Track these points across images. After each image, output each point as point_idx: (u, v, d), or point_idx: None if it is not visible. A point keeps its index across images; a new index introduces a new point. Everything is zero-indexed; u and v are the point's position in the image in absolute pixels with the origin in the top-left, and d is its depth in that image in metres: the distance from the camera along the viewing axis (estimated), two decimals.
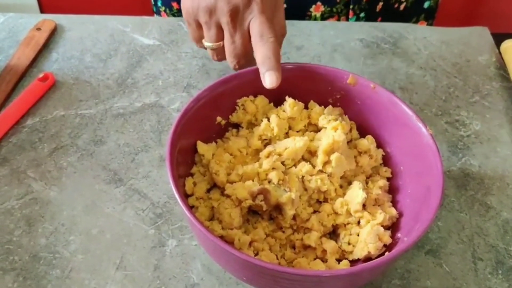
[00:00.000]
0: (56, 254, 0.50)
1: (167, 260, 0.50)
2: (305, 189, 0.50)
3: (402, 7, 0.83)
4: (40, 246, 0.51)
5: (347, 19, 0.81)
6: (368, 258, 0.47)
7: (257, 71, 0.51)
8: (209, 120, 0.53)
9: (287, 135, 0.54)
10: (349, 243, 0.48)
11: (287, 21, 0.57)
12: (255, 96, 0.55)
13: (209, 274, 0.49)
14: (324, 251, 0.48)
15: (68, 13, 0.76)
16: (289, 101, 0.53)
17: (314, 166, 0.50)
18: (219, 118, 0.54)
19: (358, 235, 0.48)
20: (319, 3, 0.78)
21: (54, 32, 0.72)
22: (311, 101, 0.55)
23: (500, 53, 0.72)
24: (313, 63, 0.56)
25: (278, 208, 0.49)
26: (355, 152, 0.53)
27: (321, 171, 0.50)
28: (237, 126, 0.56)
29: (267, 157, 0.50)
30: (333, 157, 0.49)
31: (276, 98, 0.55)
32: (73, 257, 0.50)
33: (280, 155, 0.50)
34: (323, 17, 0.80)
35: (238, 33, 0.53)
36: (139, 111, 0.63)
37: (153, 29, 0.74)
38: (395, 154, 0.53)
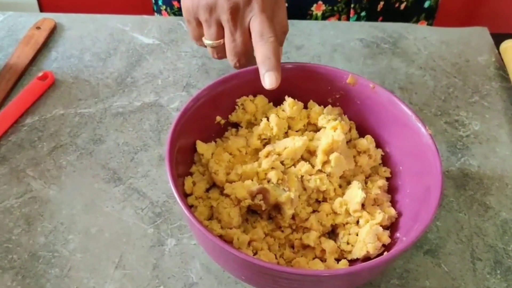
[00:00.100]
0: (55, 253, 0.50)
1: (166, 259, 0.50)
2: (304, 189, 0.50)
3: (402, 6, 0.83)
4: (39, 245, 0.51)
5: (348, 18, 0.81)
6: (367, 258, 0.47)
7: (256, 71, 0.51)
8: (208, 119, 0.53)
9: (286, 135, 0.54)
10: (348, 243, 0.48)
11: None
12: (255, 96, 0.55)
13: (208, 273, 0.49)
14: (323, 250, 0.48)
15: (67, 12, 0.76)
16: (288, 100, 0.53)
17: (313, 166, 0.50)
18: (218, 118, 0.54)
19: (357, 235, 0.48)
20: (320, 2, 0.78)
21: (53, 31, 0.72)
22: (311, 101, 0.55)
23: (499, 53, 0.72)
24: (313, 63, 0.56)
25: (277, 207, 0.49)
26: (354, 152, 0.53)
27: (320, 171, 0.50)
28: (236, 125, 0.56)
29: (266, 156, 0.50)
30: (332, 156, 0.49)
31: (275, 97, 0.55)
32: (72, 256, 0.50)
33: (279, 154, 0.50)
34: (324, 16, 0.80)
35: (238, 31, 0.53)
36: (139, 110, 0.63)
37: (152, 28, 0.74)
38: (394, 154, 0.53)
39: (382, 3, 0.81)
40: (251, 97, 0.55)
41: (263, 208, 0.48)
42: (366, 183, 0.52)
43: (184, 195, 0.50)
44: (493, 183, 0.57)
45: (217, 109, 0.54)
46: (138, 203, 0.54)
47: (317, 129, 0.54)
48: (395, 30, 0.75)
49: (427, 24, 0.88)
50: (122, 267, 0.49)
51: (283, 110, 0.54)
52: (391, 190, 0.52)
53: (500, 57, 0.72)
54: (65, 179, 0.56)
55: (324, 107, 0.55)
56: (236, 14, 0.51)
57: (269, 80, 0.49)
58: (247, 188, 0.48)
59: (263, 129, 0.52)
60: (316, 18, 0.80)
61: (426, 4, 0.85)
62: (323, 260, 0.48)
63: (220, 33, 0.54)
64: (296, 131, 0.54)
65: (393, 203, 0.51)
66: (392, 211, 0.49)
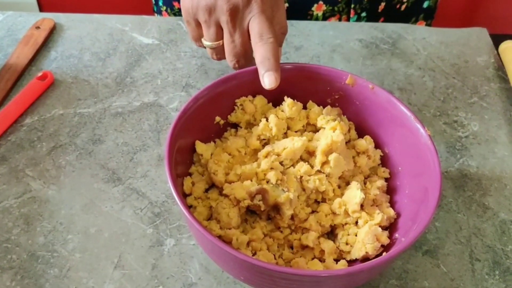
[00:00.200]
0: (54, 253, 0.50)
1: (165, 259, 0.50)
2: (303, 189, 0.50)
3: (403, 7, 0.83)
4: (38, 244, 0.51)
5: (348, 18, 0.81)
6: (365, 258, 0.47)
7: (256, 71, 0.51)
8: (207, 119, 0.53)
9: (285, 135, 0.54)
10: (347, 243, 0.49)
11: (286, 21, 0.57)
12: (254, 96, 0.55)
13: (207, 273, 0.49)
14: (322, 251, 0.48)
15: (67, 11, 0.76)
16: (287, 101, 0.54)
17: (312, 166, 0.51)
18: (217, 118, 0.54)
19: (356, 235, 0.48)
20: (321, 2, 0.78)
21: (53, 31, 0.72)
22: (310, 101, 0.55)
23: (498, 54, 0.72)
24: (312, 63, 0.56)
25: (276, 208, 0.49)
26: (354, 152, 0.53)
27: (319, 171, 0.50)
28: (235, 126, 0.56)
29: (266, 157, 0.51)
30: (332, 157, 0.49)
31: (274, 98, 0.55)
32: (71, 256, 0.50)
33: (278, 155, 0.50)
34: (325, 16, 0.80)
35: (237, 32, 0.53)
36: (138, 110, 0.63)
37: (152, 28, 0.74)
38: (393, 155, 0.53)
39: (383, 3, 0.81)
40: (250, 97, 0.55)
41: (262, 209, 0.48)
42: (365, 183, 0.52)
43: (183, 195, 0.50)
44: (492, 184, 0.57)
45: (217, 110, 0.54)
46: (137, 203, 0.54)
47: (316, 130, 0.54)
48: (394, 31, 0.75)
49: (426, 25, 0.88)
50: (121, 267, 0.49)
51: (282, 111, 0.54)
52: (390, 190, 0.52)
53: (499, 58, 0.72)
54: (64, 179, 0.56)
55: (323, 107, 0.55)
56: (235, 15, 0.52)
57: (268, 80, 0.49)
58: (246, 189, 0.48)
59: (262, 130, 0.52)
60: (317, 19, 0.80)
61: (425, 5, 0.85)
62: (322, 260, 0.48)
63: (219, 34, 0.54)
64: (295, 132, 0.54)
65: (392, 203, 0.51)
66: (391, 212, 0.49)
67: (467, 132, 0.63)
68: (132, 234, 0.52)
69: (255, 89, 0.53)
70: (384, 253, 0.45)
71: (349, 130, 0.55)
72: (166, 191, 0.55)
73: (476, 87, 0.68)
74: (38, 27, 0.71)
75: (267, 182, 0.49)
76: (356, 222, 0.49)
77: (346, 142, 0.53)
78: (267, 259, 0.46)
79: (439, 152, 0.57)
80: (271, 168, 0.50)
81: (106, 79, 0.67)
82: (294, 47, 0.72)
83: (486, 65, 0.71)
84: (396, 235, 0.48)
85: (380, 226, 0.48)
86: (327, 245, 0.48)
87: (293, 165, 0.51)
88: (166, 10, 0.85)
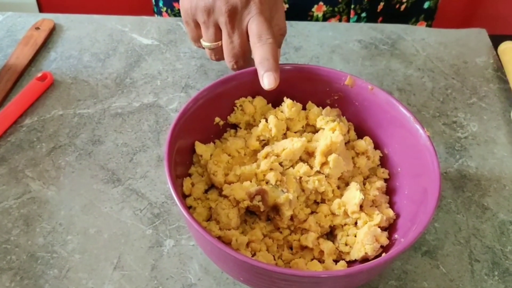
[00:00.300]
0: (53, 253, 0.50)
1: (164, 260, 0.50)
2: (303, 190, 0.50)
3: (402, 7, 0.83)
4: (37, 245, 0.51)
5: (349, 19, 0.81)
6: (365, 259, 0.47)
7: (255, 72, 0.51)
8: (207, 120, 0.53)
9: (285, 136, 0.54)
10: (346, 244, 0.49)
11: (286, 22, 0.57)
12: (253, 97, 0.55)
13: (206, 274, 0.49)
14: (321, 252, 0.48)
15: (67, 12, 0.76)
16: (287, 102, 0.54)
17: (311, 167, 0.51)
18: (217, 119, 0.54)
19: (355, 236, 0.48)
20: (321, 3, 0.78)
21: (52, 32, 0.72)
22: (309, 102, 0.55)
23: (497, 54, 0.72)
24: (311, 64, 0.56)
25: (276, 208, 0.49)
26: (353, 153, 0.53)
27: (318, 172, 0.50)
28: (235, 126, 0.56)
29: (265, 157, 0.51)
30: (331, 158, 0.49)
31: (274, 99, 0.55)
32: (71, 256, 0.50)
33: (278, 156, 0.51)
34: (325, 17, 0.80)
35: (236, 33, 0.53)
36: (137, 111, 0.63)
37: (151, 29, 0.74)
38: (393, 156, 0.53)
39: (382, 4, 0.81)
40: (249, 98, 0.55)
41: (262, 209, 0.48)
42: (364, 184, 0.52)
43: (183, 196, 0.50)
44: (491, 185, 0.57)
45: (216, 110, 0.54)
46: (136, 204, 0.54)
47: (315, 130, 0.55)
48: (394, 32, 0.75)
49: (426, 25, 0.88)
50: (121, 268, 0.49)
51: (281, 111, 0.54)
52: (389, 191, 0.52)
53: (498, 59, 0.72)
54: (63, 179, 0.56)
55: (323, 108, 0.55)
56: (234, 16, 0.52)
57: (267, 81, 0.49)
58: (245, 189, 0.48)
59: (262, 130, 0.52)
60: (317, 19, 0.80)
61: (426, 5, 0.85)
62: (321, 261, 0.48)
63: (218, 35, 0.54)
64: (295, 132, 0.54)
65: (391, 204, 0.51)
66: (390, 213, 0.49)
67: (466, 133, 0.63)
68: (132, 235, 0.52)
69: (255, 90, 0.53)
70: (383, 254, 0.45)
71: (348, 131, 0.55)
72: (165, 191, 0.55)
73: (475, 87, 0.68)
74: (37, 28, 0.71)
75: (267, 182, 0.49)
76: (356, 223, 0.49)
77: (346, 143, 0.53)
78: (266, 260, 0.47)
79: (438, 152, 0.57)
80: (271, 169, 0.50)
81: (105, 80, 0.67)
82: (293, 47, 0.72)
83: (485, 66, 0.71)
84: (396, 235, 0.48)
85: (379, 227, 0.48)
86: (327, 246, 0.48)
87: (292, 166, 0.51)
88: (166, 11, 0.85)
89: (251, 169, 0.50)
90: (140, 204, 0.54)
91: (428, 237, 0.53)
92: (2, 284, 0.48)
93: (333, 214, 0.50)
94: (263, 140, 0.53)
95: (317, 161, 0.50)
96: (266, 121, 0.53)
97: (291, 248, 0.49)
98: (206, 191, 0.51)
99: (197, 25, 0.55)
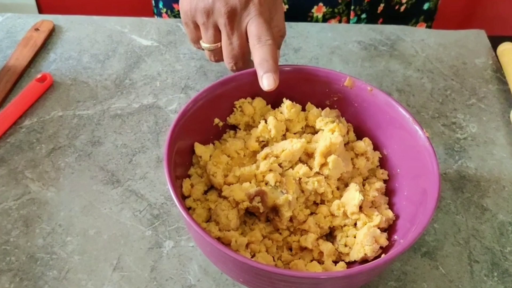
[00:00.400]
0: (53, 255, 0.50)
1: (164, 261, 0.50)
2: (302, 191, 0.50)
3: (402, 8, 0.83)
4: (37, 246, 0.51)
5: (348, 20, 0.81)
6: (364, 260, 0.47)
7: (254, 73, 0.51)
8: (206, 121, 0.54)
9: (284, 137, 0.54)
10: (345, 245, 0.49)
11: (285, 23, 0.57)
12: (253, 98, 0.55)
13: (206, 275, 0.49)
14: (321, 253, 0.48)
15: (66, 13, 0.76)
16: (286, 103, 0.54)
17: (311, 168, 0.51)
18: (216, 120, 0.54)
19: (354, 237, 0.48)
20: (320, 4, 0.78)
21: (52, 33, 0.72)
22: (309, 103, 0.55)
23: (496, 55, 0.73)
24: (311, 65, 0.56)
25: (275, 210, 0.49)
26: (352, 154, 0.53)
27: (318, 173, 0.50)
28: (234, 127, 0.56)
29: (264, 158, 0.51)
30: (330, 159, 0.49)
31: (273, 100, 0.55)
32: (70, 258, 0.50)
33: (277, 157, 0.51)
34: (325, 18, 0.80)
35: (235, 34, 0.53)
36: (137, 112, 0.63)
37: (151, 30, 0.74)
38: (392, 157, 0.53)
39: (382, 5, 0.81)
40: (249, 99, 0.55)
41: (261, 211, 0.48)
42: (363, 185, 0.52)
43: (182, 197, 0.50)
44: (490, 186, 0.58)
45: (215, 111, 0.54)
46: (136, 205, 0.54)
47: (315, 132, 0.55)
48: (393, 33, 0.75)
49: (426, 27, 0.88)
50: (120, 269, 0.49)
51: (281, 113, 0.54)
52: (389, 192, 0.52)
53: (497, 60, 0.72)
54: (63, 181, 0.56)
55: (322, 109, 0.55)
56: (233, 17, 0.52)
57: (267, 82, 0.49)
58: (245, 190, 0.48)
59: (261, 131, 0.52)
60: (317, 20, 0.80)
61: (426, 6, 0.85)
62: (321, 262, 0.48)
63: (217, 37, 0.54)
64: (294, 134, 0.54)
65: (391, 205, 0.51)
66: (390, 213, 0.50)
67: (466, 134, 0.63)
68: (131, 236, 0.52)
69: (254, 91, 0.53)
70: (382, 255, 0.45)
71: (347, 132, 0.55)
72: (165, 193, 0.55)
73: (474, 88, 0.68)
74: (37, 29, 0.71)
75: (266, 184, 0.49)
76: (355, 224, 0.49)
77: (345, 144, 0.53)
78: (266, 261, 0.47)
79: (437, 153, 0.57)
80: (270, 170, 0.50)
81: (105, 81, 0.67)
82: (293, 49, 0.72)
83: (484, 67, 0.71)
84: (395, 236, 0.48)
85: (378, 228, 0.48)
86: (326, 247, 0.48)
87: (292, 167, 0.51)
88: (166, 12, 0.85)
89: (250, 170, 0.50)
90: (140, 205, 0.54)
91: (428, 238, 0.53)
92: (1, 285, 0.48)
93: (332, 215, 0.50)
94: (263, 141, 0.53)
95: (317, 162, 0.50)
96: (266, 122, 0.53)
97: (290, 249, 0.50)
98: (205, 192, 0.51)
99: (196, 26, 0.55)
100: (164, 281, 0.49)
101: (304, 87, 0.55)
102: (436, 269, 0.50)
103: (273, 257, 0.48)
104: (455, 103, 0.66)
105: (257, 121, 0.54)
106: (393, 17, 0.83)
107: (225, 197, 0.49)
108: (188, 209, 0.49)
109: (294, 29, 0.75)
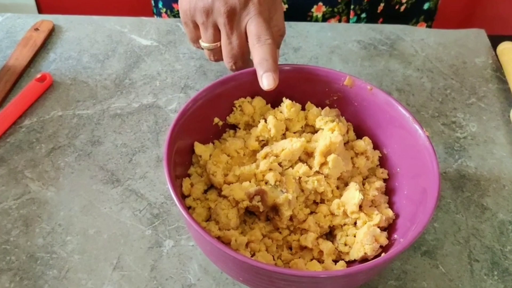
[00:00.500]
0: (53, 254, 0.50)
1: (164, 261, 0.50)
2: (302, 190, 0.50)
3: (402, 8, 0.83)
4: (37, 246, 0.51)
5: (348, 19, 0.81)
6: (364, 259, 0.47)
7: (254, 73, 0.51)
8: (206, 121, 0.54)
9: (284, 136, 0.54)
10: (345, 244, 0.49)
11: (285, 23, 0.57)
12: (252, 97, 0.55)
13: (206, 274, 0.49)
14: (321, 252, 0.48)
15: (66, 13, 0.76)
16: (286, 102, 0.54)
17: (311, 167, 0.51)
18: (216, 119, 0.54)
19: (354, 236, 0.48)
20: (320, 3, 0.78)
21: (52, 33, 0.72)
22: (308, 103, 0.55)
23: (496, 55, 0.73)
24: (311, 65, 0.56)
25: (275, 209, 0.49)
26: (352, 153, 0.53)
27: (318, 172, 0.50)
28: (234, 127, 0.56)
29: (264, 158, 0.51)
30: (330, 158, 0.49)
31: (273, 99, 0.55)
32: (70, 257, 0.50)
33: (277, 156, 0.51)
34: (324, 18, 0.80)
35: (235, 34, 0.53)
36: (137, 112, 0.63)
37: (151, 30, 0.74)
38: (392, 156, 0.53)
39: (382, 5, 0.81)
40: (249, 98, 0.55)
41: (261, 210, 0.48)
42: (363, 184, 0.52)
43: (182, 197, 0.50)
44: (490, 185, 0.57)
45: (215, 111, 0.54)
46: (136, 205, 0.54)
47: (314, 131, 0.55)
48: (393, 32, 0.75)
49: (427, 26, 0.88)
50: (120, 268, 0.49)
51: (280, 112, 0.54)
52: (389, 191, 0.52)
53: (497, 59, 0.72)
54: (63, 180, 0.56)
55: (322, 108, 0.55)
56: (233, 17, 0.52)
57: (267, 81, 0.49)
58: (245, 190, 0.48)
59: (261, 131, 0.52)
60: (316, 20, 0.80)
61: (426, 6, 0.85)
62: (320, 261, 0.48)
63: (217, 36, 0.54)
64: (294, 133, 0.54)
65: (391, 204, 0.51)
66: (390, 213, 0.49)
67: (466, 133, 0.63)
68: (131, 235, 0.52)
69: (254, 90, 0.53)
70: (382, 254, 0.45)
71: (347, 131, 0.55)
72: (165, 192, 0.55)
73: (474, 88, 0.68)
74: (37, 29, 0.71)
75: (266, 183, 0.49)
76: (355, 223, 0.49)
77: (345, 143, 0.53)
78: (266, 260, 0.47)
79: (437, 153, 0.57)
80: (270, 169, 0.50)
81: (105, 81, 0.67)
82: (292, 48, 0.72)
83: (484, 66, 0.71)
84: (395, 236, 0.48)
85: (378, 227, 0.48)
86: (326, 246, 0.48)
87: (291, 166, 0.51)
88: (165, 12, 0.85)
89: (250, 170, 0.50)
90: (140, 204, 0.54)
91: (428, 237, 0.53)
92: (1, 284, 0.48)
93: (332, 214, 0.50)
94: (262, 140, 0.53)
95: (316, 161, 0.50)
96: (265, 121, 0.53)
97: (290, 248, 0.49)
98: (205, 192, 0.51)
99: (196, 26, 0.55)
100: (164, 280, 0.49)
101: (304, 87, 0.55)
102: (436, 268, 0.50)
103: (273, 256, 0.48)
104: (455, 102, 0.66)
105: (257, 120, 0.54)
106: (393, 17, 0.83)
107: (225, 196, 0.49)
108: (188, 208, 0.49)
109: (293, 28, 0.75)
